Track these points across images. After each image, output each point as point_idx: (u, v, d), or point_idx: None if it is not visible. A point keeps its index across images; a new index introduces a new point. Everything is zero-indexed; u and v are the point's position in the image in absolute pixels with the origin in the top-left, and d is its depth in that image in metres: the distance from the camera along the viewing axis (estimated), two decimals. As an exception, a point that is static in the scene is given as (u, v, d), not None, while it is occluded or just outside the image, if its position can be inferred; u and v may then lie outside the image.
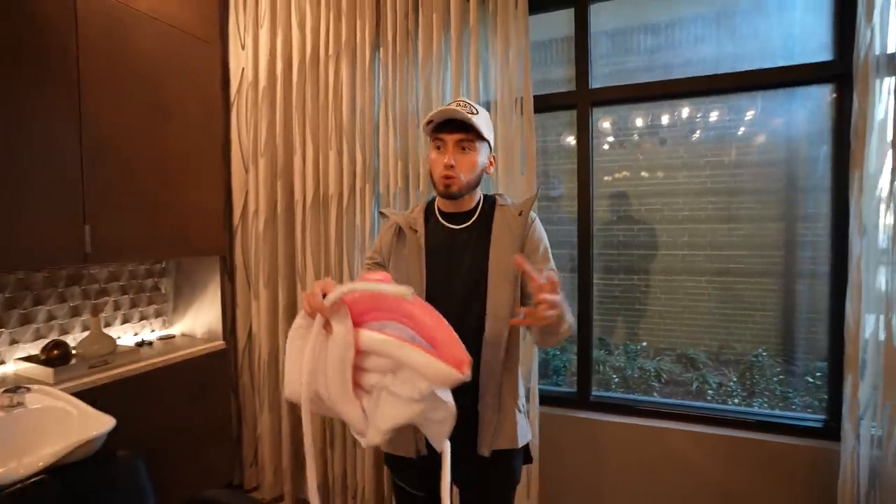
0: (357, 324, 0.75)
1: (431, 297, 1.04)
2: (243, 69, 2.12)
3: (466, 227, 1.09)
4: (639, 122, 1.90)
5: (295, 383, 0.77)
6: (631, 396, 1.90)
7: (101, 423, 1.17)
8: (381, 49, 1.87)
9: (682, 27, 1.84)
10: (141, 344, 1.96)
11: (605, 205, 1.94)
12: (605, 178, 1.94)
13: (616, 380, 1.98)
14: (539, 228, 1.10)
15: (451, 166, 1.02)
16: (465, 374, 0.70)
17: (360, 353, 0.75)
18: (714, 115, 1.79)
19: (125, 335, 2.03)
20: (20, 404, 1.27)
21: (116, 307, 2.01)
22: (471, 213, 1.10)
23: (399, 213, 1.16)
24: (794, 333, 1.74)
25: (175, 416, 1.83)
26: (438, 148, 1.06)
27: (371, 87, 1.89)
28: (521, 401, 1.11)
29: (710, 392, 1.85)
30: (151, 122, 1.81)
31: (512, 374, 1.08)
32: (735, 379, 1.82)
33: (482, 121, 1.05)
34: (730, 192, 1.78)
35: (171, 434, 1.80)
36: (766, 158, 1.73)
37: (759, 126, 1.73)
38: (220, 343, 2.05)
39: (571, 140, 1.92)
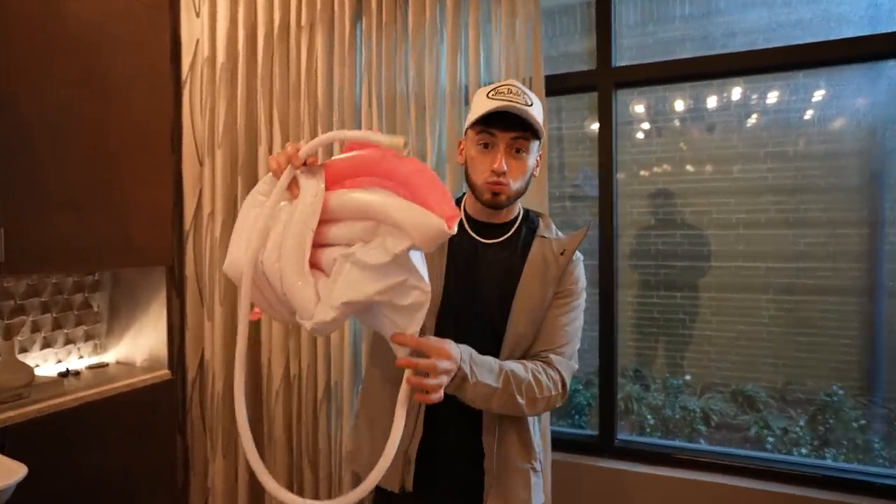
0: (332, 188, 0.75)
1: (442, 316, 1.06)
2: (198, 41, 2.11)
3: (497, 243, 1.10)
4: (680, 106, 1.87)
5: (239, 255, 0.76)
6: (666, 442, 1.85)
7: (7, 473, 1.15)
8: (364, 19, 1.85)
9: None
10: (66, 374, 1.93)
11: (640, 206, 1.91)
12: (641, 172, 1.92)
13: (652, 421, 1.93)
14: (579, 274, 1.11)
15: (503, 173, 1.01)
16: (453, 229, 0.71)
17: (325, 222, 0.74)
18: (774, 96, 1.76)
19: (46, 363, 2.00)
20: None
21: (35, 328, 1.97)
22: (506, 227, 1.11)
23: None
24: (880, 366, 1.68)
25: (106, 463, 1.80)
26: (486, 146, 1.04)
27: (351, 63, 1.88)
28: (537, 460, 1.13)
29: (770, 439, 1.79)
30: (87, 104, 1.78)
31: (523, 425, 1.10)
32: (803, 423, 1.77)
33: (538, 113, 1.04)
34: (796, 189, 1.75)
35: (101, 484, 1.77)
36: (842, 148, 1.69)
37: (832, 109, 1.69)
38: (164, 373, 2.02)
39: (595, 127, 1.88)
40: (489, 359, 0.97)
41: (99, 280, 2.19)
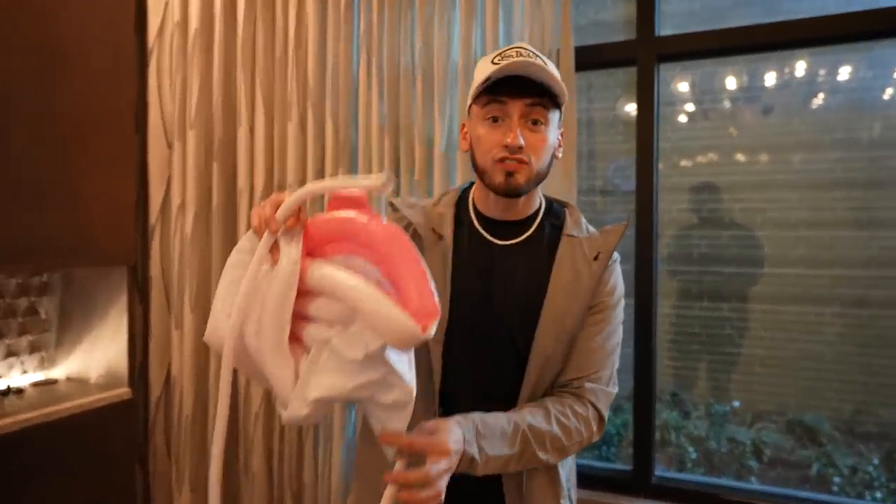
0: (313, 254, 0.75)
1: (452, 338, 0.99)
2: (167, 3, 2.08)
3: (516, 244, 1.02)
4: (731, 84, 1.83)
5: (220, 323, 0.77)
6: (712, 480, 1.80)
7: None
8: None
9: None
10: (7, 392, 1.86)
11: (681, 201, 1.87)
12: (683, 162, 1.87)
13: (694, 455, 1.86)
14: (616, 282, 1.03)
15: (521, 147, 0.92)
16: (428, 332, 0.67)
17: (306, 293, 0.74)
18: (846, 72, 1.70)
19: None
20: None
21: None
22: (525, 223, 1.03)
23: (417, 204, 1.09)
24: None
25: (54, 497, 1.76)
26: (496, 120, 0.94)
27: (348, 32, 1.85)
28: (566, 497, 1.06)
29: (836, 479, 1.71)
30: (38, 76, 1.75)
31: (548, 472, 1.04)
32: (877, 461, 1.68)
33: (560, 81, 0.94)
34: (871, 184, 1.69)
35: None
36: None
37: None
38: (124, 391, 1.99)
39: (630, 108, 1.85)
40: (500, 421, 0.89)
41: (48, 282, 2.15)
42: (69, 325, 2.12)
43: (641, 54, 1.72)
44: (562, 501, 1.05)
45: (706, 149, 1.86)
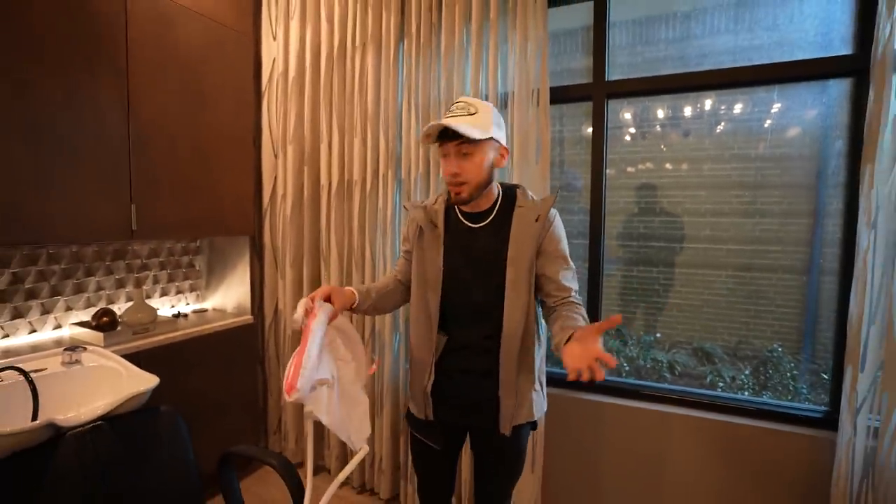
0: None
1: (449, 295, 1.15)
2: (274, 59, 2.30)
3: (484, 226, 1.15)
4: (661, 114, 1.96)
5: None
6: (636, 381, 1.97)
7: (147, 381, 1.34)
8: (406, 40, 1.99)
9: (701, 18, 1.88)
10: (177, 315, 2.19)
11: (626, 196, 2.00)
12: (629, 168, 2.01)
13: (627, 369, 2.06)
14: (556, 229, 1.15)
15: (456, 174, 1.08)
16: (290, 398, 0.94)
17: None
18: (738, 108, 1.84)
19: (163, 307, 2.28)
20: (77, 362, 1.49)
21: (156, 281, 2.26)
22: (489, 211, 1.16)
23: (420, 204, 1.23)
24: (811, 329, 1.79)
25: (206, 383, 2.02)
26: (445, 155, 1.11)
27: (395, 76, 2.01)
28: (538, 381, 1.21)
29: (721, 385, 1.92)
30: (190, 110, 2.02)
31: (527, 364, 1.17)
32: (748, 372, 1.88)
33: (482, 120, 1.08)
34: (755, 185, 1.81)
35: (202, 398, 2.00)
36: (791, 152, 1.76)
37: (785, 119, 1.77)
38: (248, 318, 2.24)
39: (589, 131, 1.98)
40: (576, 321, 1.05)
41: (199, 246, 2.44)
42: (213, 274, 2.41)
43: (595, 93, 1.87)
44: (534, 383, 1.18)
45: (643, 159, 1.98)
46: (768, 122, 1.81)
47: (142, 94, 1.86)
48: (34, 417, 1.29)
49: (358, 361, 1.16)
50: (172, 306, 2.33)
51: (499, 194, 1.19)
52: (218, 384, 2.10)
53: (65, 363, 1.47)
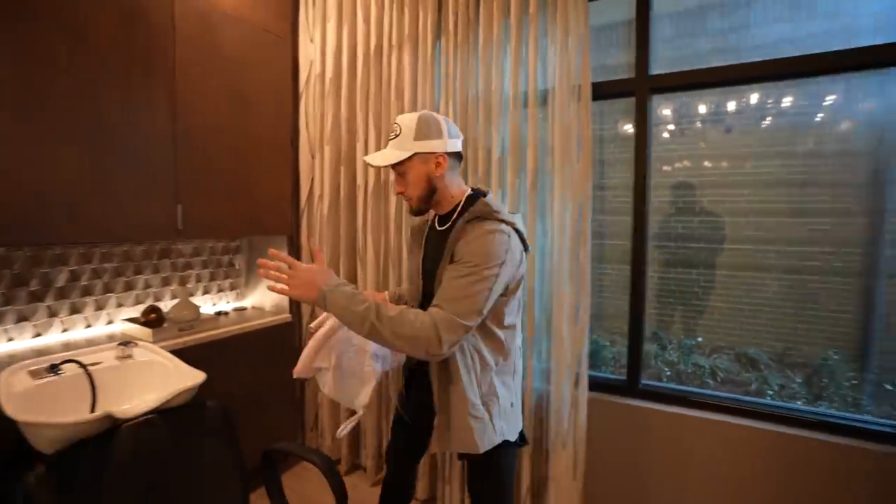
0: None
1: (424, 283, 1.24)
2: (312, 62, 2.32)
3: (444, 230, 1.20)
4: (702, 109, 1.89)
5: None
6: (682, 387, 1.91)
7: (195, 377, 1.36)
8: (443, 38, 1.98)
9: (754, 6, 1.79)
10: (219, 313, 2.25)
11: (662, 195, 1.94)
12: (664, 167, 1.95)
13: (668, 373, 2.00)
14: (477, 249, 1.07)
15: (400, 192, 1.19)
16: (294, 375, 1.34)
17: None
18: (787, 101, 1.75)
19: (205, 305, 2.33)
20: (130, 356, 1.55)
21: (198, 279, 2.32)
22: (448, 216, 1.21)
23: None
24: (872, 337, 1.69)
25: (246, 379, 2.06)
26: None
27: (432, 75, 2.01)
28: (482, 408, 1.16)
29: (770, 393, 1.84)
30: (231, 112, 2.06)
31: (457, 391, 1.14)
32: (799, 381, 1.80)
33: (402, 140, 1.14)
34: (803, 184, 1.73)
35: (243, 394, 2.05)
36: (848, 148, 1.67)
37: (840, 112, 1.68)
38: (286, 316, 2.27)
39: (627, 128, 1.94)
40: (361, 293, 1.07)
41: (239, 245, 2.49)
42: (252, 273, 2.46)
43: (638, 88, 1.82)
44: (471, 411, 1.13)
45: (682, 157, 1.91)
46: (820, 115, 1.71)
47: (187, 96, 1.91)
48: (92, 408, 1.36)
49: (364, 353, 1.38)
50: (213, 304, 2.39)
51: (459, 203, 1.21)
52: (257, 381, 2.13)
53: (118, 357, 1.53)
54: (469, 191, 1.22)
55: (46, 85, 1.52)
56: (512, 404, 1.23)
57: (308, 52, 2.35)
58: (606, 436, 1.90)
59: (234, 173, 2.08)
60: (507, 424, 1.21)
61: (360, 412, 1.34)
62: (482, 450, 1.16)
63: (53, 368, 1.39)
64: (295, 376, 1.33)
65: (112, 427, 1.11)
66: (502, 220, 1.11)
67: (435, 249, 1.20)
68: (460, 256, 1.08)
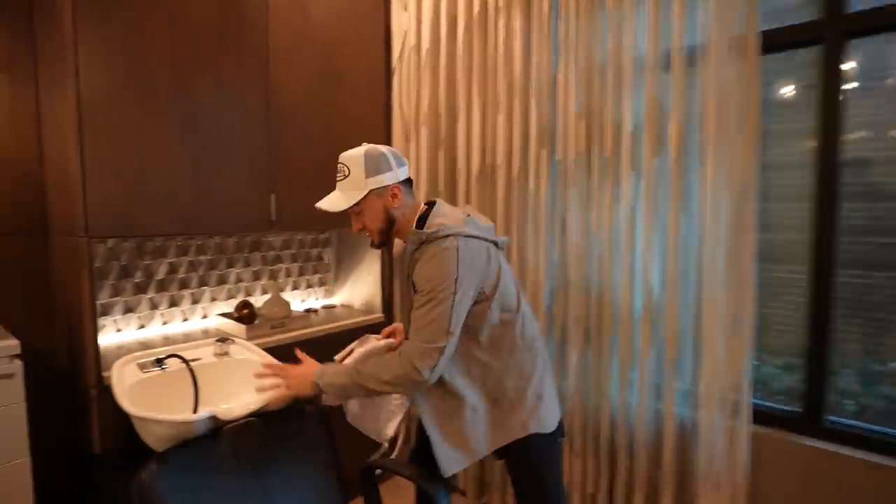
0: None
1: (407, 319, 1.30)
2: (406, 32, 2.24)
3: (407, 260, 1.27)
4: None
5: None
6: (890, 430, 1.59)
7: None
8: None
9: None
10: (308, 311, 2.24)
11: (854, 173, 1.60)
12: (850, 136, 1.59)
13: (851, 406, 1.66)
14: (425, 269, 1.16)
15: (360, 230, 1.27)
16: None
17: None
18: None
19: (294, 301, 2.34)
20: (227, 354, 1.59)
21: (288, 274, 2.33)
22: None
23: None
24: None
25: None
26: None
27: (548, 39, 1.86)
28: (477, 410, 1.27)
29: None
30: (325, 91, 2.03)
31: (425, 402, 1.29)
32: None
33: (352, 180, 1.21)
34: None
35: None
36: None
37: None
38: (378, 316, 2.23)
39: (786, 91, 1.66)
40: (343, 368, 1.24)
41: (328, 238, 2.48)
42: (341, 268, 2.45)
43: (828, 33, 1.53)
44: (437, 428, 1.27)
45: (861, 125, 1.55)
46: None
47: (280, 79, 1.90)
48: (195, 406, 1.41)
49: None
50: (302, 301, 2.39)
51: (411, 229, 1.26)
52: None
53: (216, 354, 1.57)
54: (421, 209, 1.28)
55: (147, 73, 1.56)
56: (539, 396, 1.29)
57: (402, 21, 2.27)
58: (774, 481, 1.62)
59: (326, 160, 1.99)
60: (531, 418, 1.27)
61: (386, 445, 1.41)
62: (444, 473, 1.25)
63: (159, 362, 1.45)
64: (323, 402, 1.35)
65: (214, 428, 1.16)
66: (445, 236, 1.16)
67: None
68: (418, 286, 1.18)
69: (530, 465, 1.30)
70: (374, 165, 1.21)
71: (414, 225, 1.25)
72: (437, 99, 2.19)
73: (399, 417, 1.43)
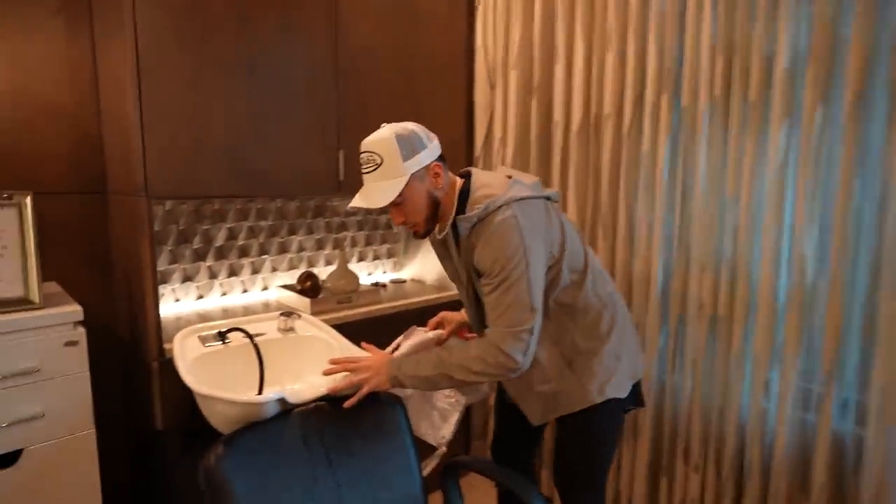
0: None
1: (473, 298, 1.30)
2: None
3: (457, 239, 1.23)
4: None
5: None
6: None
7: None
8: None
9: None
10: (376, 285, 2.15)
11: None
12: None
13: None
14: (486, 251, 1.12)
15: (403, 223, 1.20)
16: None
17: None
18: None
19: (360, 273, 2.25)
20: (292, 329, 1.51)
21: (353, 243, 2.24)
22: (451, 226, 1.23)
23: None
24: None
25: None
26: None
27: None
28: (548, 372, 1.27)
29: None
30: (398, 31, 1.89)
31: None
32: None
33: (389, 167, 1.11)
34: None
35: None
36: None
37: None
38: (453, 293, 2.07)
39: None
40: (426, 356, 1.18)
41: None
42: (412, 239, 2.32)
43: None
44: (550, 376, 1.27)
45: None
46: None
47: (350, 16, 1.77)
48: (261, 385, 1.37)
49: None
50: (369, 274, 2.31)
51: (454, 209, 1.21)
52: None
53: (280, 329, 1.50)
54: (458, 183, 1.22)
55: (208, 16, 1.47)
56: (618, 357, 1.27)
57: (488, -56, 2.04)
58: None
59: (399, 111, 1.90)
60: (608, 383, 1.25)
61: (443, 449, 1.36)
62: (572, 410, 1.26)
63: (221, 336, 1.41)
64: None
65: (283, 410, 1.13)
66: (495, 210, 1.12)
67: (460, 256, 1.27)
68: (483, 270, 1.14)
69: (592, 434, 1.29)
70: (410, 146, 1.14)
71: (456, 204, 1.20)
72: (529, 37, 1.98)
73: (456, 416, 1.41)
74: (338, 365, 1.20)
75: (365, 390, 1.15)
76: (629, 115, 1.71)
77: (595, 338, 1.25)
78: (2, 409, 1.20)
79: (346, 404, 1.13)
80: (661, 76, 1.64)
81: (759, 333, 1.52)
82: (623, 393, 1.27)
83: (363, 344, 1.32)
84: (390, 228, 2.35)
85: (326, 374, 1.19)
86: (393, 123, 1.16)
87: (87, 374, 1.33)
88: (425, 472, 1.29)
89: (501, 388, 1.48)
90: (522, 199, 1.14)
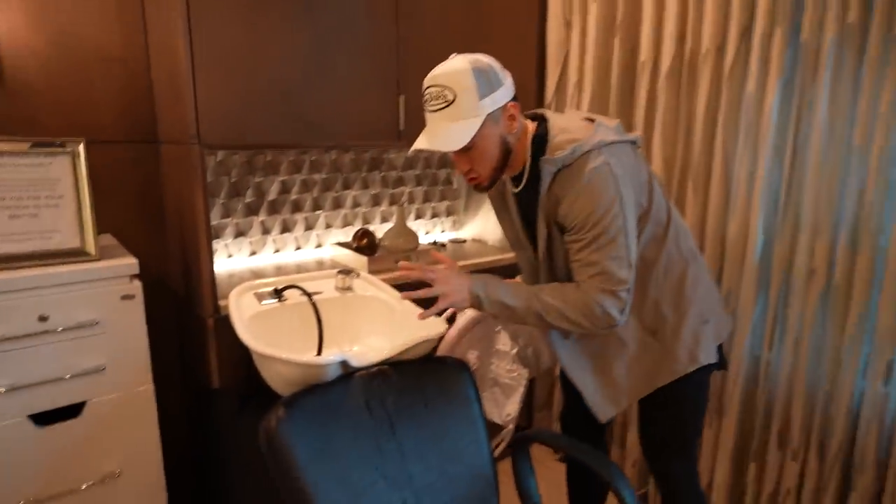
0: None
1: (517, 252, 1.38)
2: None
3: (520, 191, 1.19)
4: None
5: None
6: None
7: (434, 326, 1.27)
8: None
9: None
10: (434, 244, 2.13)
11: None
12: None
13: None
14: (578, 203, 1.06)
15: (467, 171, 1.12)
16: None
17: None
18: None
19: (418, 231, 2.20)
20: (350, 288, 1.49)
21: (411, 199, 2.19)
22: (519, 177, 1.18)
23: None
24: None
25: None
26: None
27: None
28: (632, 344, 1.23)
29: None
30: None
31: (568, 347, 1.27)
32: None
33: (464, 103, 1.03)
34: None
35: None
36: None
37: None
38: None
39: None
40: (515, 286, 1.13)
41: None
42: (472, 195, 2.28)
43: None
44: (634, 349, 1.23)
45: None
46: None
47: None
48: (320, 346, 1.36)
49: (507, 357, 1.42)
50: (427, 232, 2.27)
51: (528, 156, 1.15)
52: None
53: (338, 288, 1.49)
54: (531, 128, 1.15)
55: None
56: (706, 321, 1.22)
57: None
58: None
59: (462, 52, 1.83)
60: (698, 347, 1.21)
61: (511, 426, 1.36)
62: (665, 382, 1.22)
63: (277, 293, 1.40)
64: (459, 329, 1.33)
65: (344, 374, 1.11)
66: (583, 156, 1.06)
67: (528, 211, 1.21)
68: (571, 224, 1.08)
69: (683, 405, 1.27)
70: (487, 82, 1.04)
71: (530, 151, 1.12)
72: (615, -35, 1.79)
73: (520, 392, 1.39)
74: (413, 271, 1.13)
75: (443, 304, 1.09)
76: (732, 52, 1.54)
77: (680, 301, 1.21)
78: (65, 361, 1.22)
79: (420, 315, 1.09)
80: (776, 3, 1.45)
81: (883, 309, 1.38)
82: (713, 357, 1.23)
83: (433, 253, 1.28)
84: (450, 184, 2.28)
85: (403, 274, 1.13)
86: (465, 54, 1.07)
87: (145, 328, 1.34)
88: (496, 453, 1.26)
89: None
90: (611, 143, 1.07)
